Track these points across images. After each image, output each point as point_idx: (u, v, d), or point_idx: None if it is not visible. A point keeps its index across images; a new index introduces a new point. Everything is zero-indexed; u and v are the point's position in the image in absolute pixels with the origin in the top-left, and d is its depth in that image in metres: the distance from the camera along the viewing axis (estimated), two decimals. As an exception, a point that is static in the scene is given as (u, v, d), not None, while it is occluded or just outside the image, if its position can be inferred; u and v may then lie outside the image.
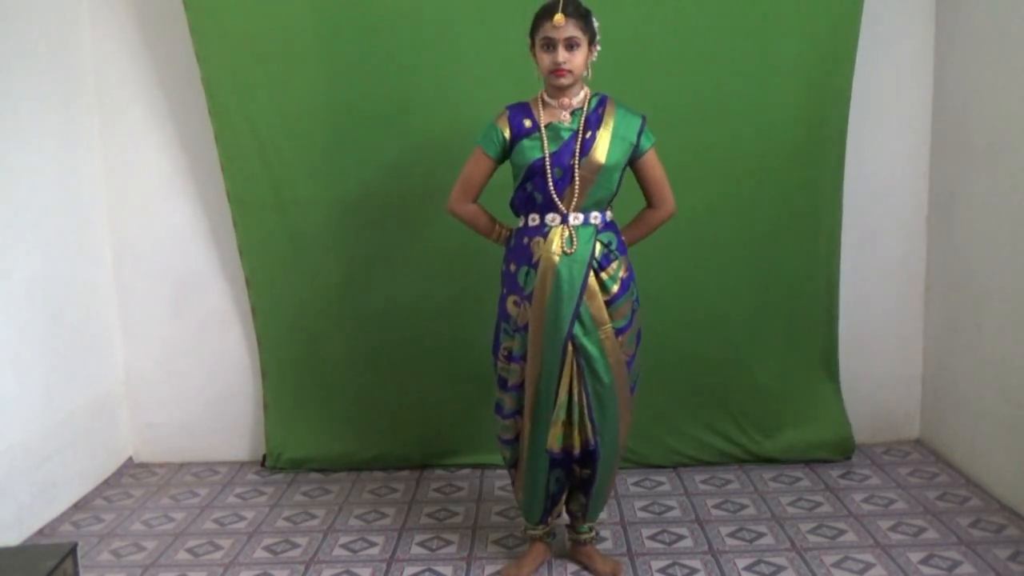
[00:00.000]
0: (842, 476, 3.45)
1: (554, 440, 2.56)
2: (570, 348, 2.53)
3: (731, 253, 3.49)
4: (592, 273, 2.52)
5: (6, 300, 3.08)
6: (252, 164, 3.48)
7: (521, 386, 2.62)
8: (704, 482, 3.45)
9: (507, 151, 2.58)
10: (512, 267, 2.61)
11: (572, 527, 2.83)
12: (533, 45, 2.53)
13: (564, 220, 2.53)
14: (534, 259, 2.54)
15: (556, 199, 2.51)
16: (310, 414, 3.69)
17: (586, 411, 2.56)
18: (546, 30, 2.45)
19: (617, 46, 3.30)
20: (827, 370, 3.61)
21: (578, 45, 2.46)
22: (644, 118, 2.58)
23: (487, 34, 3.34)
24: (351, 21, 3.38)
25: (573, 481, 2.76)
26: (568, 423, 2.57)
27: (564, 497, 2.80)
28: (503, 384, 2.69)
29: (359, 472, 3.67)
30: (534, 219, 2.57)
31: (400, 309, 3.56)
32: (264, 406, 3.75)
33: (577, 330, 2.51)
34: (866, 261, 3.62)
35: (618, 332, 2.55)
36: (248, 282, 3.63)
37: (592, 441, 2.57)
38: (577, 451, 2.58)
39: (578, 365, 2.54)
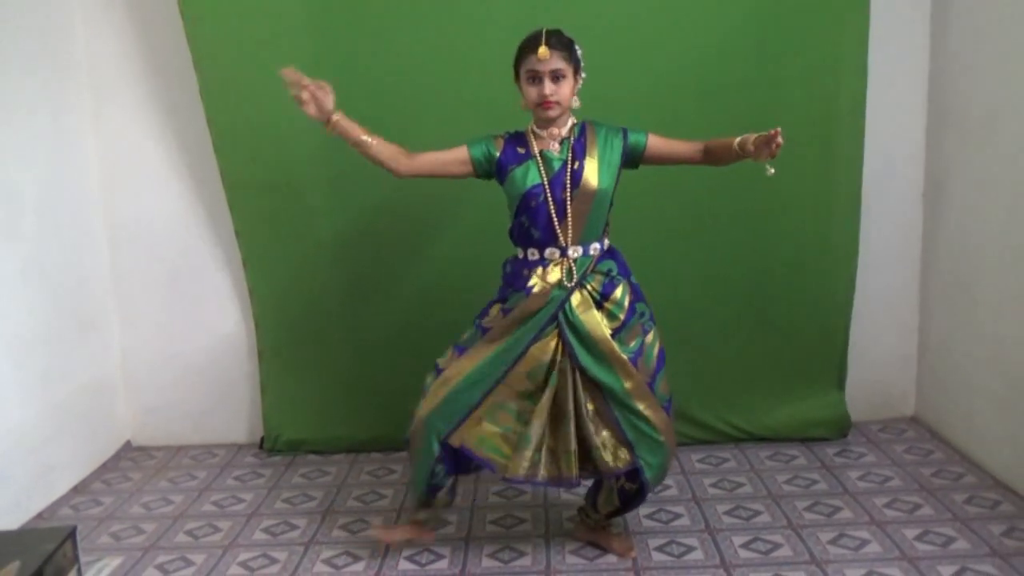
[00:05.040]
0: (838, 454, 3.47)
1: (517, 467, 2.50)
2: (570, 379, 2.48)
3: (735, 234, 3.48)
4: (594, 305, 2.50)
5: (3, 285, 3.07)
6: (245, 146, 3.48)
7: (440, 372, 2.58)
8: (700, 461, 3.46)
9: (489, 170, 2.55)
10: (506, 287, 2.61)
11: (587, 513, 2.81)
12: (518, 77, 2.50)
13: (564, 253, 2.51)
14: (528, 284, 2.52)
15: (554, 233, 2.49)
16: (308, 396, 3.70)
17: (585, 440, 2.50)
18: (531, 63, 2.42)
19: (632, 24, 3.31)
20: (832, 348, 3.59)
21: (564, 76, 2.43)
22: (624, 129, 2.54)
23: (483, 26, 3.31)
24: (346, 3, 3.36)
25: (610, 491, 2.70)
26: (535, 449, 2.50)
27: (452, 485, 2.71)
28: (436, 365, 2.64)
29: (357, 454, 3.68)
30: (533, 253, 2.55)
31: (397, 289, 3.56)
32: (262, 388, 3.76)
33: (586, 361, 2.48)
34: (862, 239, 3.60)
35: (633, 358, 2.51)
36: (245, 264, 3.63)
37: (574, 479, 2.52)
38: (556, 479, 2.51)
39: (601, 398, 2.49)
